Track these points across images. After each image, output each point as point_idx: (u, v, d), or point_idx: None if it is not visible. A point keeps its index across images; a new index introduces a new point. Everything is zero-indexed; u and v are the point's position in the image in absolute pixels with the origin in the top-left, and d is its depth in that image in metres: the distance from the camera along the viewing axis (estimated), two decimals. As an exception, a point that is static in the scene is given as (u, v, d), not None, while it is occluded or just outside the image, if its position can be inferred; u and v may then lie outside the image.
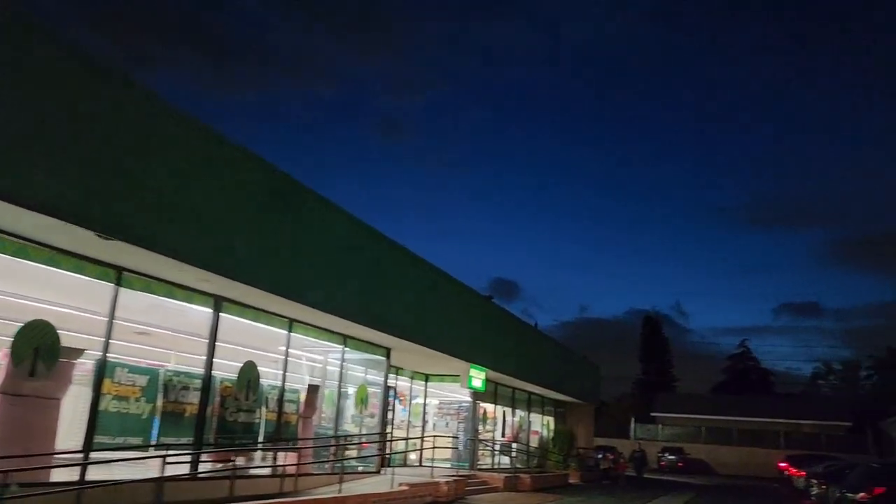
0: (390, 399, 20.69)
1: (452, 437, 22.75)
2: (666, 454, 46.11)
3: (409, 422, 22.93)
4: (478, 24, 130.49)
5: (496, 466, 23.33)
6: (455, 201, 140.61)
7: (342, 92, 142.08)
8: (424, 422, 23.65)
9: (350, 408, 16.65)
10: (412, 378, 22.92)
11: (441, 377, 23.29)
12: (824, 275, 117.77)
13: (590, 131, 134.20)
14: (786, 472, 36.85)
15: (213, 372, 12.01)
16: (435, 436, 21.90)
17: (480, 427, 24.24)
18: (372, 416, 17.45)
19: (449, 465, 23.14)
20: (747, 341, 79.83)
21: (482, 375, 20.73)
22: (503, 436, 26.16)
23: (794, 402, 59.13)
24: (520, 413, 28.30)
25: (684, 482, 35.39)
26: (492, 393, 25.10)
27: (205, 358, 11.89)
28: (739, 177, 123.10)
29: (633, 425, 54.93)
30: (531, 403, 29.25)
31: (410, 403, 23.03)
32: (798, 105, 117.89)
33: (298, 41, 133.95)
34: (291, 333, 14.06)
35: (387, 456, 18.57)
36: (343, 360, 16.12)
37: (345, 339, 15.89)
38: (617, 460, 28.69)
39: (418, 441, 22.71)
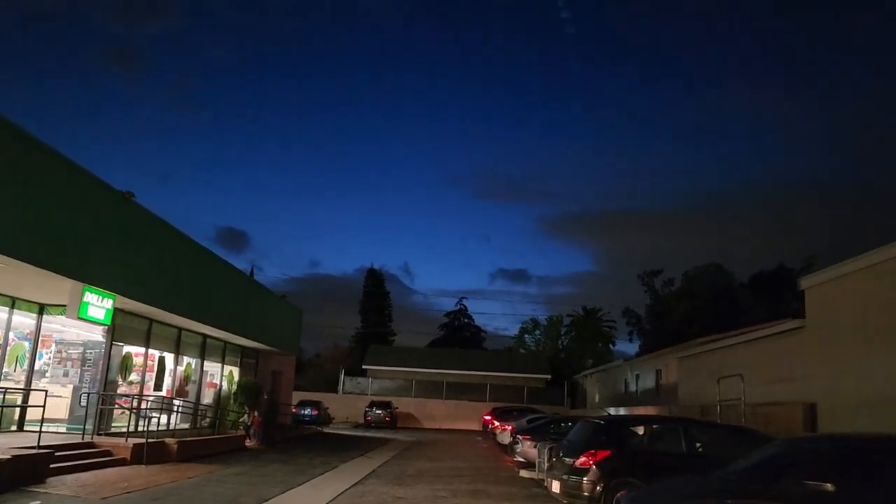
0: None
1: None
2: (373, 408, 43.22)
3: (1, 370, 15.89)
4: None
5: (142, 430, 17.33)
6: (184, 144, 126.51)
7: (60, 6, 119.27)
8: (31, 370, 16.74)
9: None
10: (12, 308, 15.90)
11: (62, 308, 16.57)
12: (533, 245, 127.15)
13: (325, 90, 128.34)
14: (490, 426, 35.79)
15: None
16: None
17: (120, 378, 17.96)
18: None
19: (65, 430, 16.64)
20: (465, 300, 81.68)
21: (107, 304, 14.56)
22: (158, 389, 20.10)
23: (501, 357, 60.44)
24: (189, 360, 22.36)
25: (388, 438, 32.35)
26: (143, 332, 18.88)
27: None
28: (465, 152, 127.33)
29: (342, 378, 51.50)
30: (207, 349, 23.42)
31: (7, 344, 15.97)
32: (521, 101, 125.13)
33: None
34: None
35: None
36: None
37: None
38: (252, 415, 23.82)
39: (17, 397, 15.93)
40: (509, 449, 22.02)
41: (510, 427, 26.68)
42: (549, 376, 53.28)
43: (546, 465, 15.22)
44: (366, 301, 74.47)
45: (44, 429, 16.39)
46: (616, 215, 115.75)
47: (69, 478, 12.03)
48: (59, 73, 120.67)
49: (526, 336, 69.83)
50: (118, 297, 14.96)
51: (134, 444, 14.80)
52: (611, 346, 67.26)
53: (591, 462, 10.49)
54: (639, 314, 59.86)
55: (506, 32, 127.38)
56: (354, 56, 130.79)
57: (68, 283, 13.25)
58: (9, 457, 10.35)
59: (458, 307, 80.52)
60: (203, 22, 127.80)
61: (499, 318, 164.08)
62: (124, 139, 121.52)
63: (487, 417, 39.08)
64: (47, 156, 12.20)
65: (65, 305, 16.31)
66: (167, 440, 16.49)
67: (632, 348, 65.21)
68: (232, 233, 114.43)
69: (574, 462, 10.75)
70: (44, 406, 13.77)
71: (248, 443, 22.60)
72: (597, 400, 46.13)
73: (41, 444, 12.86)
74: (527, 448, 19.64)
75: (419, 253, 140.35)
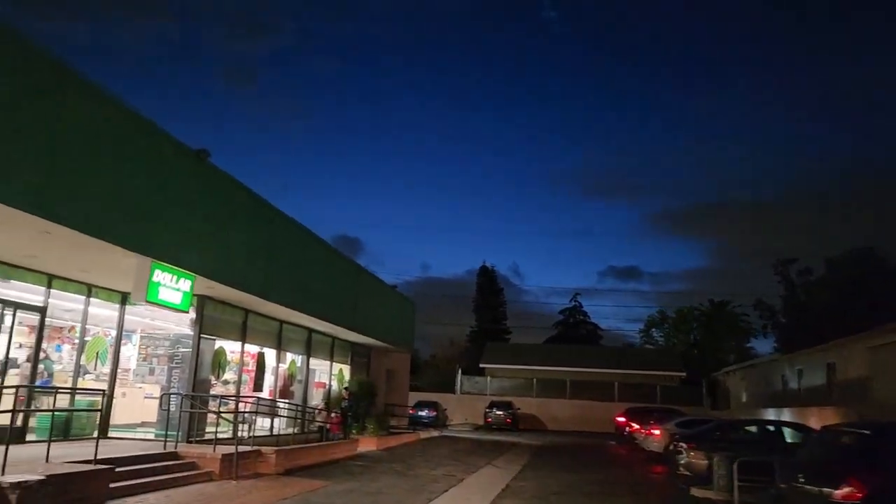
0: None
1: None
2: (494, 409, 40.13)
3: (79, 367, 13.89)
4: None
5: (240, 436, 15.00)
6: (301, 153, 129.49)
7: (183, 30, 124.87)
8: (115, 368, 14.70)
9: None
10: (88, 296, 13.87)
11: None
12: (643, 241, 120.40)
13: (435, 92, 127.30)
14: (626, 429, 31.75)
15: None
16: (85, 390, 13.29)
17: (213, 377, 15.70)
18: None
19: (153, 436, 14.49)
20: (579, 296, 77.18)
21: (184, 286, 12.13)
22: (259, 389, 17.81)
23: (628, 354, 55.76)
24: (293, 357, 20.02)
25: (512, 442, 29.12)
26: (237, 325, 16.58)
27: None
28: (572, 147, 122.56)
29: (459, 377, 48.68)
30: (313, 345, 21.04)
31: (84, 338, 13.95)
32: (628, 91, 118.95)
33: None
34: None
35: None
36: None
37: None
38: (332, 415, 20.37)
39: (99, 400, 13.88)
40: (670, 459, 18.17)
41: (660, 431, 22.79)
42: (684, 374, 48.28)
43: (732, 483, 11.56)
44: (479, 298, 71.92)
45: (131, 434, 14.52)
46: (727, 207, 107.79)
47: (131, 501, 9.55)
48: (188, 92, 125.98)
49: (653, 330, 64.40)
50: (200, 279, 12.55)
51: (223, 455, 12.30)
52: (752, 340, 60.68)
53: (859, 495, 6.78)
54: (772, 306, 53.18)
55: (606, 26, 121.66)
56: (459, 58, 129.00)
57: (132, 259, 10.86)
58: (42, 477, 7.89)
59: (573, 304, 76.26)
60: (311, 36, 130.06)
61: (610, 316, 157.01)
62: (245, 152, 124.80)
63: (621, 419, 34.92)
64: (102, 101, 9.81)
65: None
66: (263, 449, 13.96)
67: (764, 345, 58.90)
68: (346, 240, 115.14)
69: (830, 492, 7.05)
70: (108, 409, 11.50)
71: (359, 448, 19.96)
72: (744, 400, 40.88)
73: (118, 454, 10.59)
74: (694, 459, 15.82)
75: (528, 253, 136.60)
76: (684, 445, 16.66)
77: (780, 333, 52.21)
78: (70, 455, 10.27)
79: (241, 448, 12.87)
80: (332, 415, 20.68)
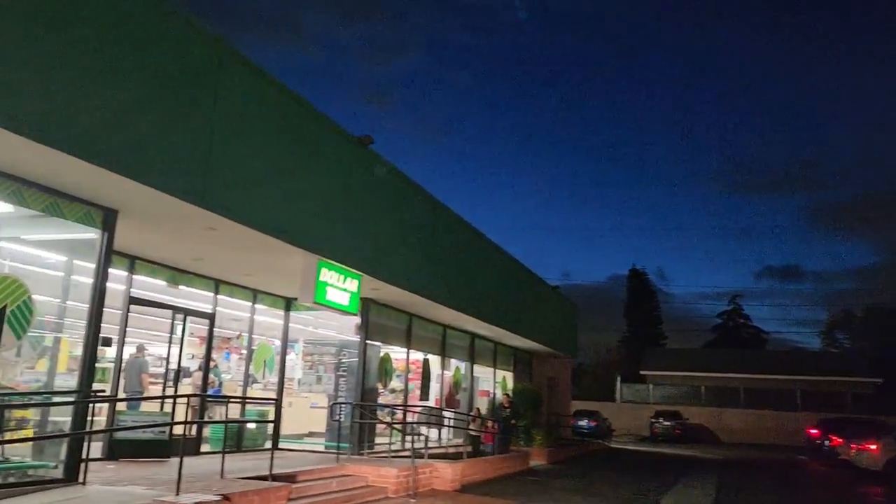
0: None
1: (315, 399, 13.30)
2: (660, 419, 37.26)
3: (248, 376, 13.43)
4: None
5: (405, 448, 14.02)
6: (439, 166, 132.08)
7: (321, 57, 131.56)
8: (282, 376, 14.15)
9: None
10: (254, 303, 13.39)
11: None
12: (803, 238, 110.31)
13: (571, 96, 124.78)
14: (822, 442, 28.00)
15: None
16: (251, 399, 12.68)
17: (380, 385, 14.81)
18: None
19: (322, 447, 13.78)
20: (738, 298, 71.42)
21: (351, 286, 11.19)
22: (425, 398, 16.79)
23: (810, 358, 50.38)
24: (457, 364, 18.91)
25: (688, 456, 26.46)
26: (402, 330, 15.63)
27: None
28: (718, 141, 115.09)
29: (618, 385, 45.95)
30: (476, 351, 19.83)
31: (252, 346, 13.48)
32: (779, 74, 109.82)
33: (273, 5, 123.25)
34: None
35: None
36: None
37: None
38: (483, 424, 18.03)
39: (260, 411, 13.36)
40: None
41: (877, 445, 19.56)
42: (880, 379, 42.78)
43: None
44: (631, 303, 68.42)
45: (298, 445, 13.88)
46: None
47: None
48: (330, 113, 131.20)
49: (834, 331, 58.14)
50: (366, 280, 11.60)
51: (398, 471, 11.20)
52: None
53: None
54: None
55: (747, 22, 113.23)
56: (591, 64, 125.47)
57: (298, 257, 10.03)
58: (218, 498, 7.03)
59: (732, 306, 70.66)
60: (443, 53, 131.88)
61: (771, 318, 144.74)
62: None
63: (814, 431, 31.03)
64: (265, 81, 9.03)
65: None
66: (439, 464, 12.79)
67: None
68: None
69: None
70: (278, 419, 10.74)
71: (531, 462, 18.43)
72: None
73: (290, 467, 9.78)
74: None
75: (673, 256, 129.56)
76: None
77: None
78: (244, 469, 9.56)
79: (416, 462, 11.75)
80: (489, 424, 19.29)
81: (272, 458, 9.03)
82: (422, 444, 12.65)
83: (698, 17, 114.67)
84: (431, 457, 13.38)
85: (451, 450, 16.19)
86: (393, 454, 13.42)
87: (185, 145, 7.56)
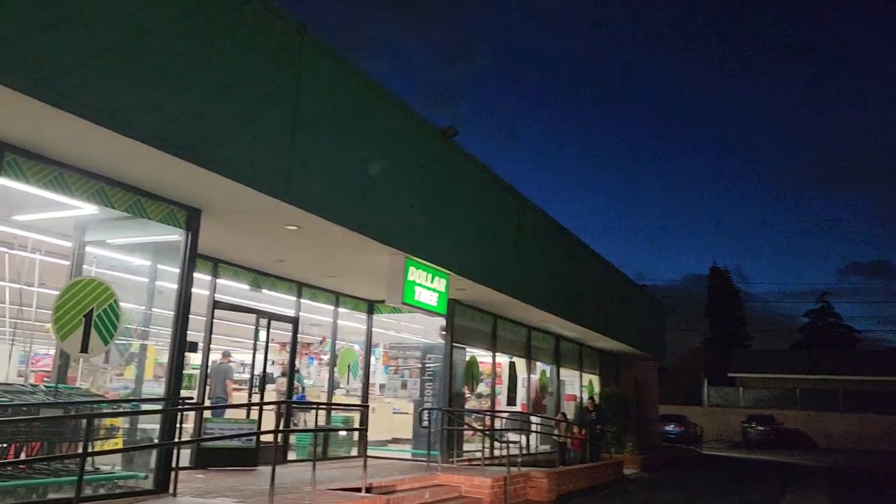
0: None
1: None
2: (753, 424, 35.39)
3: (331, 382, 13.06)
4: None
5: (495, 456, 13.38)
6: (507, 171, 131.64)
7: (389, 65, 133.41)
8: (366, 382, 13.73)
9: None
10: (336, 306, 13.02)
11: (395, 308, 13.32)
12: (891, 232, 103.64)
13: (640, 93, 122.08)
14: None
15: None
16: (337, 404, 12.26)
17: (466, 390, 14.22)
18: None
19: (410, 455, 13.29)
20: (827, 295, 67.54)
21: (439, 285, 10.63)
22: (512, 403, 16.10)
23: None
24: (542, 367, 18.13)
25: (788, 463, 24.80)
26: (487, 332, 15.00)
27: None
28: (794, 137, 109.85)
29: (705, 388, 43.97)
30: (561, 353, 19.00)
31: (335, 350, 13.10)
32: (867, 62, 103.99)
33: (341, 16, 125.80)
34: None
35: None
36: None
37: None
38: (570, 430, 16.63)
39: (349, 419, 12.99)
40: None
41: None
42: None
43: None
44: (713, 302, 65.83)
45: (384, 453, 13.41)
46: None
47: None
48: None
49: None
50: (452, 279, 11.02)
51: (493, 480, 10.56)
52: None
53: None
54: None
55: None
56: (663, 65, 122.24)
57: (384, 256, 9.54)
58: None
59: (820, 305, 66.89)
60: (509, 55, 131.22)
61: (860, 317, 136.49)
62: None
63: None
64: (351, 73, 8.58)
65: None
66: (534, 473, 12.08)
67: None
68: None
69: None
70: (366, 426, 10.28)
71: (625, 469, 17.46)
72: None
73: (381, 477, 9.28)
74: None
75: (751, 254, 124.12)
76: None
77: None
78: (333, 478, 9.12)
79: (512, 472, 11.07)
80: (576, 430, 18.32)
81: (365, 467, 8.52)
82: (515, 452, 11.92)
83: (782, 7, 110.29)
84: (523, 463, 12.65)
85: (540, 457, 15.46)
86: (487, 462, 12.79)
87: (268, 137, 7.15)
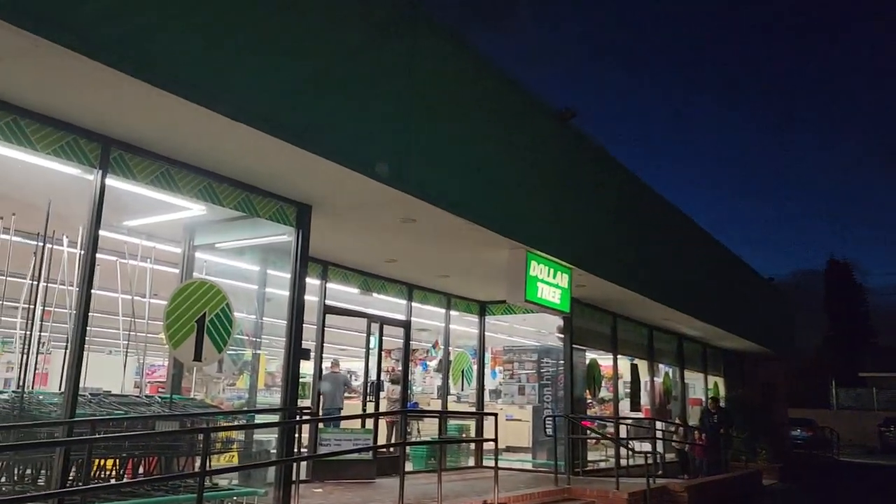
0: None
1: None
2: (892, 427, 32.38)
3: (445, 388, 12.40)
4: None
5: (621, 466, 12.29)
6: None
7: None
8: (481, 387, 12.97)
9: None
10: (448, 308, 12.35)
11: (508, 309, 12.54)
12: None
13: (743, 79, 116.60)
14: None
15: None
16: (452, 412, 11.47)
17: (587, 394, 13.22)
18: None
19: (530, 465, 12.44)
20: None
21: (562, 281, 9.73)
22: (636, 408, 14.95)
23: None
24: (665, 370, 16.84)
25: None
26: (606, 333, 13.94)
27: None
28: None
29: (833, 390, 40.71)
30: (684, 354, 17.63)
31: (448, 353, 12.45)
32: None
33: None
34: None
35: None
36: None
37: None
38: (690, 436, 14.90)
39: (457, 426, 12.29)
40: None
41: None
42: None
43: None
44: (831, 297, 61.31)
45: (506, 464, 12.58)
46: None
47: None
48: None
49: None
50: (575, 272, 10.11)
51: (629, 495, 9.55)
52: None
53: None
54: None
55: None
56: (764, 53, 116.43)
57: (502, 250, 8.75)
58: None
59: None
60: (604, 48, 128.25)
61: None
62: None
63: None
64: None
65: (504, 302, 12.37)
66: (672, 485, 10.96)
67: None
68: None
69: None
70: (496, 435, 9.45)
71: (764, 480, 15.92)
72: None
73: (506, 491, 8.48)
74: None
75: (866, 245, 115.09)
76: None
77: None
78: (456, 492, 8.44)
79: (651, 485, 10.03)
80: (697, 435, 16.80)
81: (496, 480, 7.75)
82: (650, 461, 10.83)
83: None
84: (642, 475, 11.54)
85: (667, 467, 14.23)
86: (609, 473, 11.75)
87: (380, 120, 6.53)
